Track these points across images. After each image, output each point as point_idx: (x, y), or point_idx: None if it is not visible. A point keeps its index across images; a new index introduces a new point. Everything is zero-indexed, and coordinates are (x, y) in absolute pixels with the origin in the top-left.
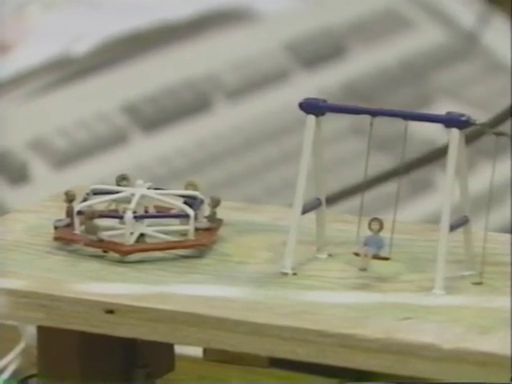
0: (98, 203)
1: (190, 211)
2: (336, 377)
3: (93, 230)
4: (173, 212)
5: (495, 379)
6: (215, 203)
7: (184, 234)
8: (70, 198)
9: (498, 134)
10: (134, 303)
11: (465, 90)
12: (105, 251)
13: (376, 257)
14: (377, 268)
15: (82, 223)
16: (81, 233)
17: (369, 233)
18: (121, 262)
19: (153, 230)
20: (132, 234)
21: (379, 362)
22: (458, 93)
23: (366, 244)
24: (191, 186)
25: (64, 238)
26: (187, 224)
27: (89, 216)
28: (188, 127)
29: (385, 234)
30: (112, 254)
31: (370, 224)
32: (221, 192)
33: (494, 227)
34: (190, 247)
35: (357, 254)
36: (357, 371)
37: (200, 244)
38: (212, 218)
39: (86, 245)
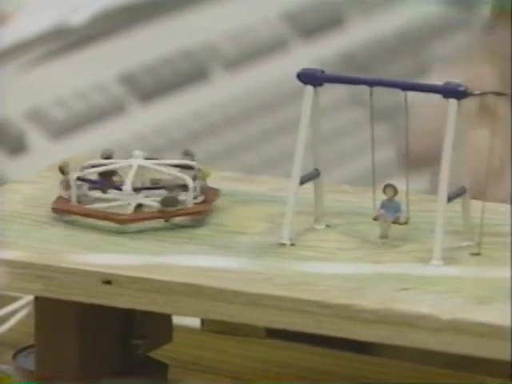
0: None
1: (190, 181)
2: (333, 347)
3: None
4: (171, 182)
5: (493, 350)
6: (204, 176)
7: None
8: (65, 170)
9: (498, 94)
10: (132, 274)
11: None
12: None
13: (395, 222)
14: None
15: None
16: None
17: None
18: (119, 232)
19: (150, 200)
20: (129, 204)
21: (377, 333)
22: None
23: (382, 207)
24: (188, 155)
25: (62, 209)
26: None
27: (170, 189)
28: (185, 97)
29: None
30: (109, 225)
31: (384, 190)
32: (218, 162)
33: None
34: (187, 215)
35: (375, 219)
36: (354, 342)
37: (197, 211)
38: (205, 189)
39: (86, 215)
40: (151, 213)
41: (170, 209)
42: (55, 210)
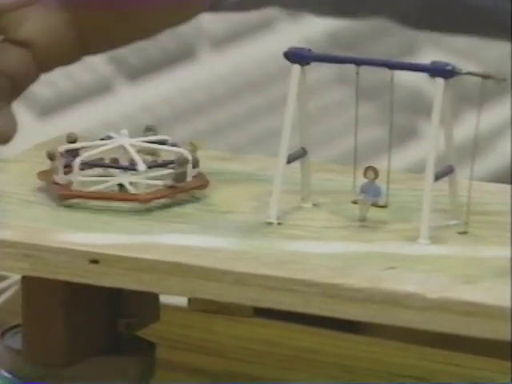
0: (97, 153)
1: (188, 155)
2: (320, 326)
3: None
4: (168, 159)
5: (480, 329)
6: (195, 149)
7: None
8: (54, 157)
9: (486, 77)
10: (119, 253)
11: (450, 39)
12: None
13: (374, 205)
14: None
15: None
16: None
17: (363, 182)
18: (119, 212)
19: (147, 177)
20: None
21: (363, 312)
22: (443, 41)
23: (362, 191)
24: (150, 130)
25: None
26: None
27: (180, 163)
28: (172, 76)
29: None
30: (101, 204)
31: (365, 172)
32: (205, 141)
33: (479, 176)
34: (194, 189)
35: (355, 202)
36: (341, 321)
37: (200, 185)
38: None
39: (104, 199)
40: (165, 189)
41: (180, 184)
42: (64, 196)
